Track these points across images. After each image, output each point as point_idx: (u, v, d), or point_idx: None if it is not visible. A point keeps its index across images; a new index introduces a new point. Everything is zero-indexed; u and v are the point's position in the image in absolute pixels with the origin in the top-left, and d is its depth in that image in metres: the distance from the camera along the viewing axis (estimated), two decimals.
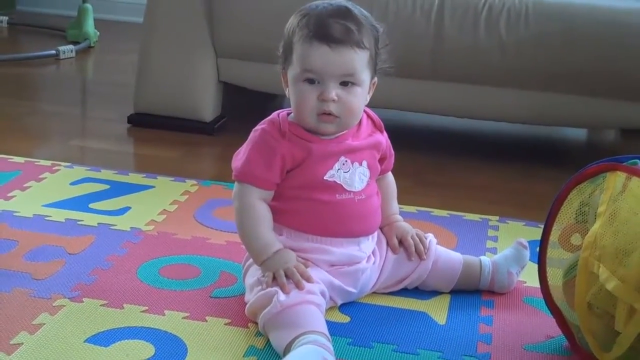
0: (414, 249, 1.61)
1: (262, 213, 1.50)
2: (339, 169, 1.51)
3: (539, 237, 1.50)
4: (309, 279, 1.44)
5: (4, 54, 3.44)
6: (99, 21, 3.94)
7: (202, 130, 2.62)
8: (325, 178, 1.50)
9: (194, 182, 2.15)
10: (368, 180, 1.55)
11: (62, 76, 3.42)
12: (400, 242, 1.62)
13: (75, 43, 3.68)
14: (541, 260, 1.50)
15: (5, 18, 4.09)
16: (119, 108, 2.79)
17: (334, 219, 1.52)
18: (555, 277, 1.48)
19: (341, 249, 1.53)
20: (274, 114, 1.54)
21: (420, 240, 1.62)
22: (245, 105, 2.94)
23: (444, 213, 2.06)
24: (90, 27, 3.79)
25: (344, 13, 1.48)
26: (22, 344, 1.36)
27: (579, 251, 1.39)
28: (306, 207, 1.51)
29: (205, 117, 2.63)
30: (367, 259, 1.57)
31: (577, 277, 1.35)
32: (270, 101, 2.88)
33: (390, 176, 1.68)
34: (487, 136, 2.89)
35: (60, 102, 2.97)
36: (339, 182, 1.51)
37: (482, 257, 1.68)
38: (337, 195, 1.51)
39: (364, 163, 1.54)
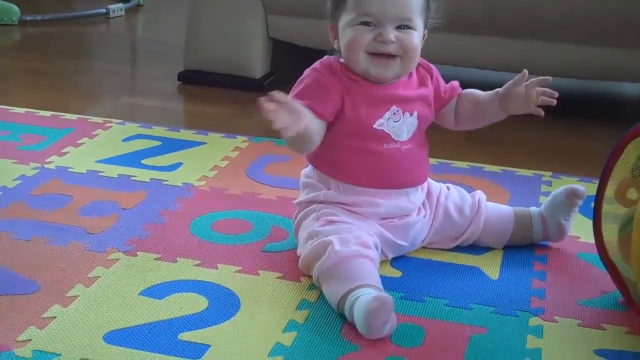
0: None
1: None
2: (389, 118, 1.50)
3: (593, 193, 1.49)
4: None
5: (55, 13, 3.46)
6: None
7: (251, 86, 2.61)
8: (374, 126, 1.49)
9: (245, 138, 2.15)
10: (415, 130, 1.53)
11: (112, 34, 3.43)
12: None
13: (124, 1, 3.68)
14: (596, 216, 1.48)
15: None
16: (169, 66, 2.80)
17: (381, 169, 1.51)
18: (610, 232, 1.46)
19: (390, 201, 1.52)
20: (324, 58, 1.54)
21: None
22: (294, 62, 2.92)
23: (496, 169, 2.04)
24: None
25: None
26: (79, 296, 1.39)
27: (635, 206, 1.36)
28: (354, 157, 1.50)
29: (255, 73, 2.63)
30: (417, 211, 1.56)
31: (634, 232, 1.33)
32: (319, 57, 2.86)
33: (466, 91, 1.59)
34: None
35: (110, 61, 2.99)
36: (387, 132, 1.50)
37: (532, 209, 1.65)
38: (384, 145, 1.50)
39: (415, 114, 1.52)
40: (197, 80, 2.66)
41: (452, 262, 1.58)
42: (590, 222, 1.49)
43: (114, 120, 2.24)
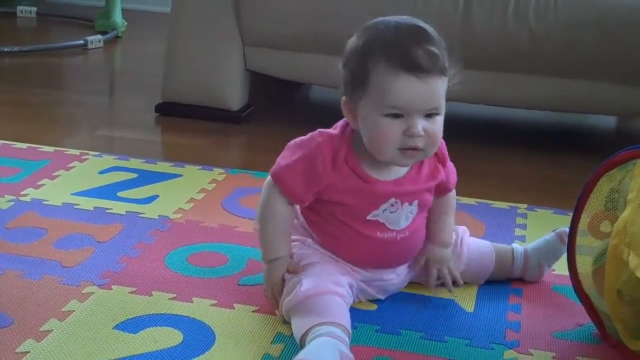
0: (443, 282, 1.56)
1: (282, 218, 1.44)
2: (385, 210, 1.44)
3: (568, 225, 1.49)
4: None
5: (33, 44, 3.46)
6: (127, 11, 3.95)
7: (229, 119, 2.62)
8: (368, 218, 1.44)
9: (222, 170, 2.16)
10: (415, 216, 1.48)
11: (90, 66, 3.43)
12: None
13: (103, 33, 3.69)
14: (570, 248, 1.49)
15: (34, 9, 4.10)
16: (147, 97, 2.80)
17: (373, 254, 1.47)
18: (584, 264, 1.47)
19: (374, 274, 1.51)
20: (341, 127, 1.44)
21: (452, 275, 1.56)
22: (272, 94, 2.94)
23: (472, 201, 2.05)
24: (118, 17, 3.80)
25: (423, 35, 1.35)
26: (52, 330, 1.38)
27: (608, 238, 1.37)
28: (346, 237, 1.45)
29: (232, 106, 2.64)
30: None
31: (607, 265, 1.34)
32: (297, 90, 2.88)
33: (450, 196, 1.56)
34: (516, 124, 2.87)
35: (88, 92, 2.98)
36: (381, 221, 1.44)
37: (515, 246, 1.65)
38: (379, 233, 1.45)
39: (415, 203, 1.46)
40: (174, 112, 2.66)
41: (427, 295, 1.58)
42: (565, 254, 1.50)
43: (90, 152, 2.23)
